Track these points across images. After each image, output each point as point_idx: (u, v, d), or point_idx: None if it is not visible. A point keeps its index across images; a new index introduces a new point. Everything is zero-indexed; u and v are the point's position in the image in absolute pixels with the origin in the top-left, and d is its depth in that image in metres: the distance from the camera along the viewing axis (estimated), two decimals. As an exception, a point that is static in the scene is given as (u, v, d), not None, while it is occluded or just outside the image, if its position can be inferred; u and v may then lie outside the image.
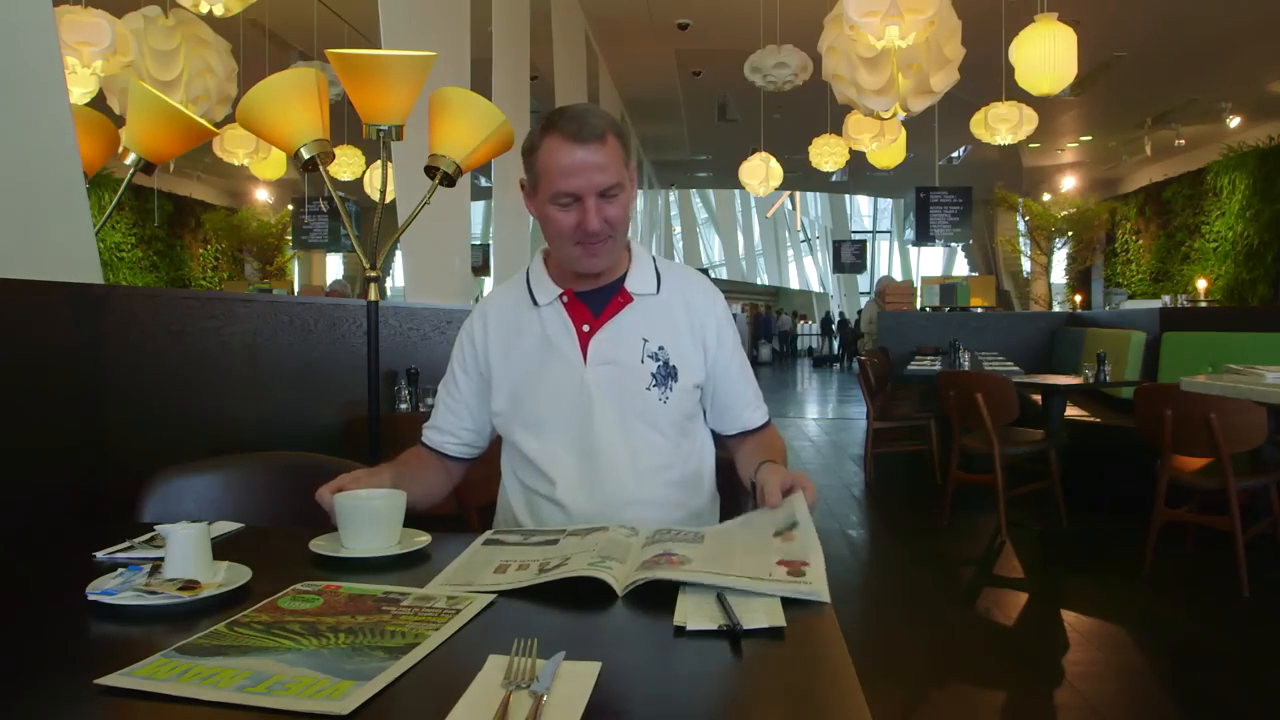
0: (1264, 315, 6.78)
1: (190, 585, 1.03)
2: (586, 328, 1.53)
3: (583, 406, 1.51)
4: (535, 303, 1.56)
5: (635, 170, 1.53)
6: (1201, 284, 10.98)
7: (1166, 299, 10.24)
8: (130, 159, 2.24)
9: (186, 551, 1.07)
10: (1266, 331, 5.00)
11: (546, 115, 1.46)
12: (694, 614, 0.95)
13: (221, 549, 1.17)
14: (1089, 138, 13.19)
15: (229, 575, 1.08)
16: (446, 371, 1.66)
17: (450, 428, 1.66)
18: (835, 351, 23.37)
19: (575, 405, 1.51)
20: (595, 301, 1.54)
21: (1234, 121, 11.18)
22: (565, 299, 1.54)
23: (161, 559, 1.09)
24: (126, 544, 1.26)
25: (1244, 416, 3.29)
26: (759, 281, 34.74)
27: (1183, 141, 11.74)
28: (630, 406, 1.52)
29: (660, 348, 1.54)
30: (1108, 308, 9.92)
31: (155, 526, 1.29)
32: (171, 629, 0.94)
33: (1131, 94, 10.41)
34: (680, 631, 0.92)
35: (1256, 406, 3.21)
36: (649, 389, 1.52)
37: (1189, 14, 7.74)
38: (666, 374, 1.54)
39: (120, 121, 2.52)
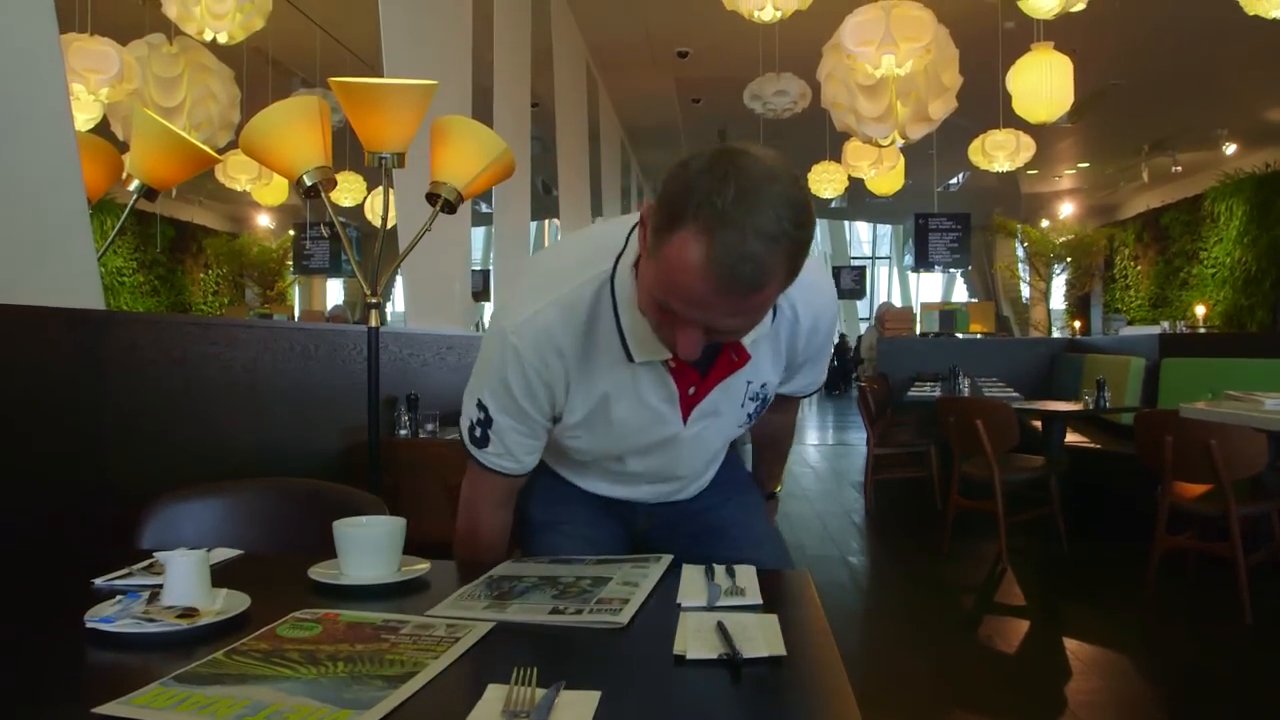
0: (1263, 341, 6.78)
1: (189, 613, 1.03)
2: (692, 390, 1.29)
3: (670, 450, 1.40)
4: (629, 358, 1.24)
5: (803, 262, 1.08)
6: (1200, 310, 11.00)
7: (1165, 325, 10.26)
8: (133, 185, 2.26)
9: (185, 578, 1.07)
10: (1265, 357, 5.00)
11: (710, 195, 0.97)
12: (694, 643, 0.95)
13: (220, 576, 1.16)
14: (1086, 165, 13.27)
15: (228, 603, 1.07)
16: (494, 411, 1.31)
17: (533, 446, 1.38)
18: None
19: (662, 449, 1.39)
20: (702, 358, 1.15)
21: (1230, 148, 11.25)
22: (672, 364, 1.25)
23: (160, 586, 1.09)
24: (125, 571, 1.26)
25: (1244, 443, 3.29)
26: (758, 307, 34.77)
27: (1179, 168, 11.82)
28: (720, 439, 1.45)
29: (763, 385, 1.36)
30: (1107, 334, 9.94)
31: (154, 553, 1.29)
32: (170, 657, 0.93)
33: (1128, 121, 10.49)
34: (680, 660, 0.92)
35: (1257, 433, 3.21)
36: (740, 426, 1.42)
37: (1184, 43, 7.82)
38: (763, 404, 1.40)
39: (124, 147, 2.54)
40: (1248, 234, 11.40)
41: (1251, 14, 4.57)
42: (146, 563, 1.29)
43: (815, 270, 1.31)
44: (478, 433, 1.34)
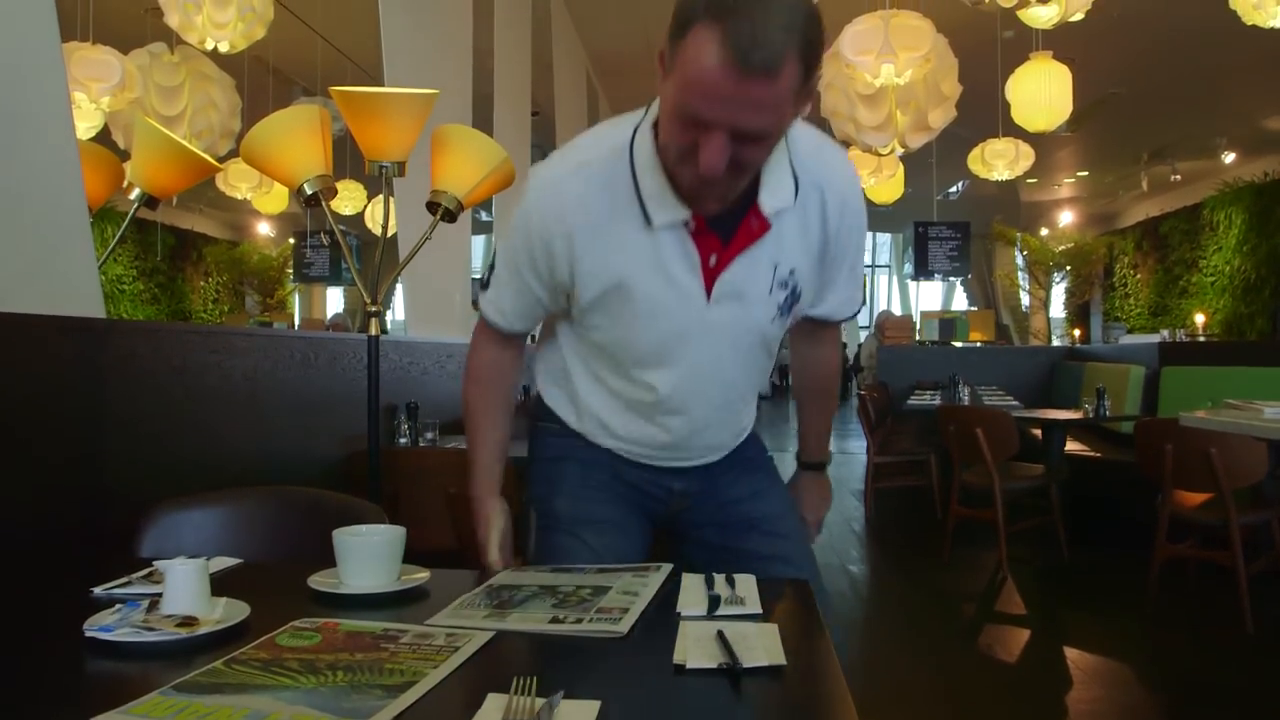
0: (1262, 350, 6.79)
1: (188, 622, 1.03)
2: (714, 260, 1.25)
3: (694, 339, 1.32)
4: (648, 221, 1.23)
5: (816, 82, 1.13)
6: (1200, 318, 11.01)
7: (1165, 333, 10.27)
8: (134, 194, 2.27)
9: (185, 587, 1.07)
10: (1265, 366, 5.00)
11: None
12: (694, 652, 0.94)
13: (220, 584, 1.16)
14: (1086, 173, 13.30)
15: (227, 611, 1.07)
16: (501, 262, 1.37)
17: (526, 313, 1.42)
18: None
19: (686, 337, 1.32)
20: (724, 225, 1.22)
21: (1229, 157, 11.28)
22: (692, 225, 1.23)
23: (159, 595, 1.08)
24: (124, 579, 1.25)
25: (1244, 451, 3.29)
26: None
27: (1179, 177, 11.84)
28: (748, 339, 1.36)
29: (791, 271, 1.31)
30: (1107, 342, 9.96)
31: (154, 562, 1.29)
32: (169, 666, 0.93)
33: (1127, 130, 10.52)
34: (680, 669, 0.92)
35: (1256, 442, 3.21)
36: (772, 321, 1.34)
37: (1183, 52, 7.85)
38: (792, 301, 1.34)
39: (125, 156, 2.55)
40: (1247, 242, 11.42)
41: (1249, 24, 4.59)
42: (146, 571, 1.29)
43: (837, 152, 1.37)
44: (486, 276, 1.42)
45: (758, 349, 1.40)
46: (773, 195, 1.23)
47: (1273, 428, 2.31)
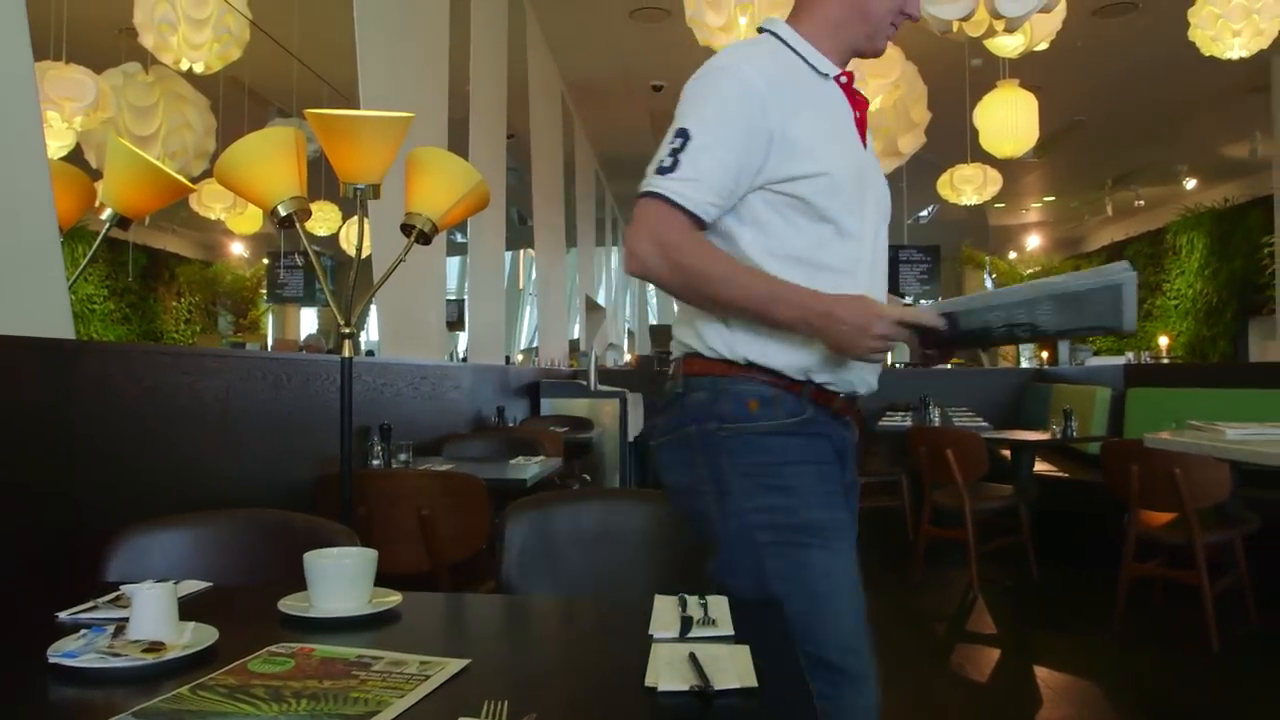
0: (1224, 372, 6.92)
1: (155, 647, 1.02)
2: (857, 114, 1.48)
3: (870, 186, 1.47)
4: (820, 73, 1.46)
5: None
6: (1164, 341, 11.20)
7: (1130, 355, 10.42)
8: (106, 213, 2.25)
9: (152, 612, 1.06)
10: (1227, 388, 5.10)
11: None
12: (665, 674, 0.95)
13: (188, 609, 1.15)
14: (1052, 198, 13.53)
15: (195, 636, 1.06)
16: (704, 129, 1.34)
17: (729, 190, 1.36)
18: None
19: (864, 182, 1.45)
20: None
21: (1190, 183, 11.53)
22: (845, 79, 1.49)
23: (126, 619, 1.07)
24: (90, 604, 1.24)
25: (1208, 472, 3.34)
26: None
27: (1142, 202, 12.09)
28: (886, 203, 1.54)
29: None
30: (1074, 364, 10.08)
31: (120, 586, 1.27)
32: (134, 692, 0.92)
33: (1092, 157, 10.73)
34: (652, 693, 0.92)
35: (1219, 463, 3.27)
36: (884, 213, 1.54)
37: (1145, 81, 8.03)
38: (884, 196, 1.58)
39: (97, 175, 2.53)
40: (1208, 266, 11.66)
41: (1207, 54, 4.72)
42: (113, 595, 1.27)
43: None
44: (668, 161, 1.34)
45: (885, 237, 1.54)
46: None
47: (1235, 449, 2.36)
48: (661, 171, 1.33)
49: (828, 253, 1.41)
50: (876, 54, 1.52)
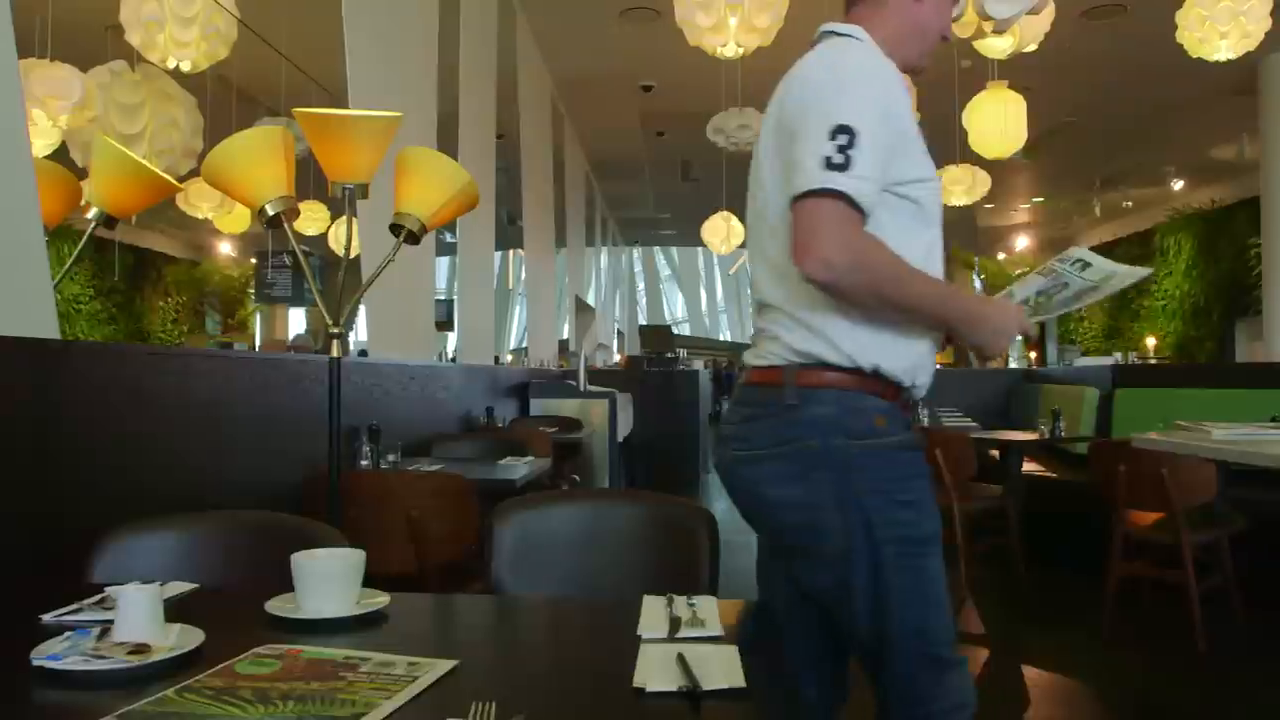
0: (1211, 372, 6.96)
1: (140, 649, 1.01)
2: None
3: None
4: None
5: None
6: (1151, 341, 11.26)
7: (1118, 356, 10.49)
8: (92, 213, 2.24)
9: (137, 613, 1.05)
10: (1214, 388, 5.13)
11: None
12: (654, 675, 0.95)
13: (175, 610, 1.15)
14: (1041, 199, 13.59)
15: (181, 638, 1.05)
16: (864, 126, 1.31)
17: (878, 184, 1.35)
18: None
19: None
20: None
21: (1178, 184, 11.60)
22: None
23: (111, 621, 1.07)
24: (75, 606, 1.23)
25: (1194, 472, 3.36)
26: (722, 338, 34.98)
27: (1130, 203, 12.16)
28: None
29: None
30: (1062, 364, 10.15)
31: (105, 587, 1.27)
32: (120, 695, 0.92)
33: (1081, 158, 10.78)
34: (641, 693, 0.92)
35: (1206, 462, 3.29)
36: None
37: (1133, 83, 8.08)
38: None
39: (83, 174, 2.51)
40: (1196, 267, 11.73)
41: (1195, 56, 4.74)
42: (98, 597, 1.26)
43: None
44: (838, 158, 1.29)
45: None
46: None
47: (1221, 449, 2.37)
48: (835, 168, 1.29)
49: (933, 260, 1.45)
50: (919, 72, 1.57)
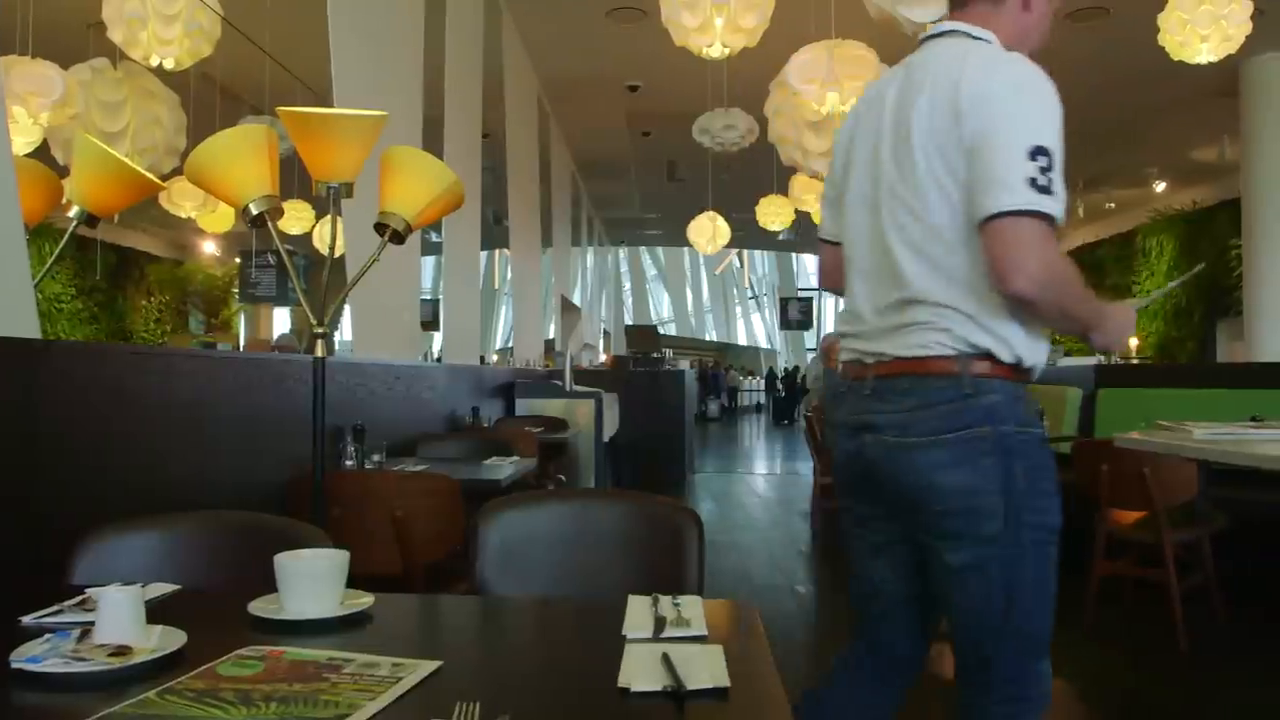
0: (1193, 372, 7.02)
1: (121, 651, 1.00)
2: None
3: None
4: None
5: None
6: (1133, 342, 11.33)
7: (1101, 356, 10.55)
8: (73, 211, 2.22)
9: (118, 615, 1.04)
10: (1195, 388, 5.18)
11: None
12: (638, 675, 0.95)
13: (156, 612, 1.14)
14: (1025, 200, 13.65)
15: (163, 640, 1.05)
16: (1054, 148, 1.44)
17: None
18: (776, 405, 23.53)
19: None
20: None
21: (1160, 186, 11.69)
22: None
23: (92, 623, 1.06)
24: (56, 608, 1.22)
25: (1176, 472, 3.39)
26: (707, 338, 35.05)
27: (1113, 205, 12.24)
28: None
29: None
30: (1045, 364, 10.24)
31: (86, 589, 1.26)
32: (100, 697, 0.91)
33: (1064, 159, 10.83)
34: (625, 693, 0.92)
35: (1187, 462, 3.31)
36: None
37: (1116, 86, 8.13)
38: None
39: (64, 172, 2.49)
40: (1178, 268, 11.82)
41: (1176, 59, 4.78)
42: (79, 599, 1.25)
43: None
44: (1043, 180, 1.38)
45: None
46: None
47: (1202, 448, 2.39)
48: (1040, 190, 1.37)
49: None
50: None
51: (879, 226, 1.56)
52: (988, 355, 1.48)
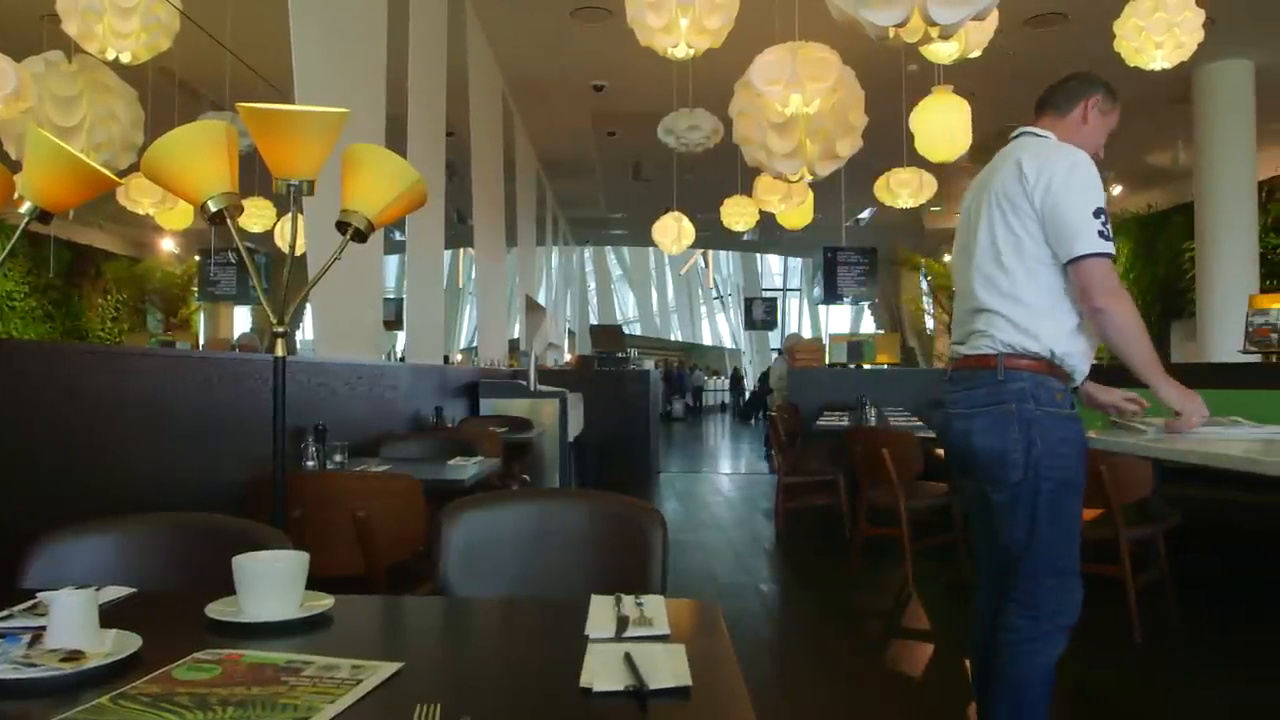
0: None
1: (74, 656, 0.99)
2: None
3: None
4: None
5: None
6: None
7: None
8: (25, 207, 2.17)
9: (70, 619, 1.03)
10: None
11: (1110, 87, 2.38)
12: (600, 675, 0.95)
13: (110, 616, 1.12)
14: (986, 203, 13.84)
15: (117, 644, 1.03)
16: (1104, 208, 2.07)
17: None
18: (741, 405, 23.64)
19: None
20: None
21: (1117, 190, 11.91)
22: None
23: (43, 628, 1.04)
24: (5, 612, 1.19)
25: (1131, 470, 3.45)
26: (672, 338, 35.10)
27: (1071, 208, 12.41)
28: None
29: None
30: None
31: (38, 593, 1.23)
32: (52, 703, 0.89)
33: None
34: (588, 693, 0.92)
35: (1142, 461, 3.38)
36: None
37: (1073, 90, 8.26)
38: None
39: (16, 167, 2.43)
40: (1133, 270, 12.06)
41: (1132, 65, 4.88)
42: (30, 603, 1.23)
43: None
44: (1106, 231, 2.03)
45: None
46: None
47: (1156, 447, 2.44)
48: (1105, 238, 2.03)
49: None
50: None
51: (969, 264, 2.22)
52: (1023, 353, 2.08)
